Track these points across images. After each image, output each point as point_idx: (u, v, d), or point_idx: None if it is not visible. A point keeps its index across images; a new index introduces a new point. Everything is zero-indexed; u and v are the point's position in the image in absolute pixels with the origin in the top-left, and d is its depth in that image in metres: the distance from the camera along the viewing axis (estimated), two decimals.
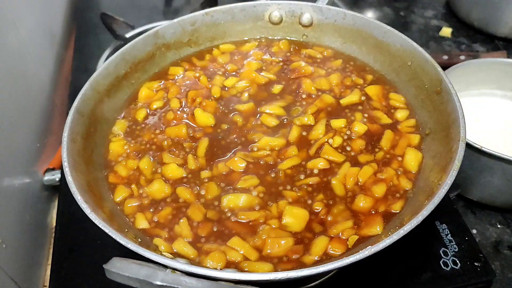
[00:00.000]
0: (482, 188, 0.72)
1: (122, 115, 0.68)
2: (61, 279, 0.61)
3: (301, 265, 0.49)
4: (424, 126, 0.62)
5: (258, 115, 0.65)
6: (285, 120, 0.64)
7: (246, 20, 0.79)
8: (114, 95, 0.68)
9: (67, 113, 0.59)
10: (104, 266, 0.42)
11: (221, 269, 0.48)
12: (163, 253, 0.50)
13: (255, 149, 0.60)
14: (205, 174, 0.58)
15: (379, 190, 0.55)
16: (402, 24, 1.15)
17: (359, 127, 0.61)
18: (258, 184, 0.56)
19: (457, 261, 0.59)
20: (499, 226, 0.71)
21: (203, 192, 0.56)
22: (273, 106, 0.66)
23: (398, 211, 0.53)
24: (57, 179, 0.77)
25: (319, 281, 0.59)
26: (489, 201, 0.73)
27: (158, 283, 0.40)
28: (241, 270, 0.48)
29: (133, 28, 1.04)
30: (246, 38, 0.80)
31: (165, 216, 0.54)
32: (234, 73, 0.73)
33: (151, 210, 0.55)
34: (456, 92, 0.57)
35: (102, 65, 0.67)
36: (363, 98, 0.66)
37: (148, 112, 0.68)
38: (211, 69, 0.74)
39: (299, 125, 0.63)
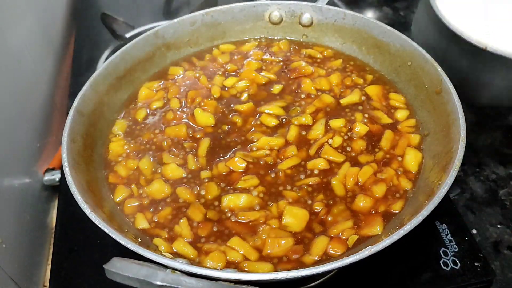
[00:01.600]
0: (487, 90, 0.71)
1: (122, 115, 0.68)
2: (61, 279, 0.60)
3: (301, 265, 0.49)
4: (424, 126, 0.62)
5: (258, 115, 0.65)
6: (284, 120, 0.64)
7: (246, 20, 0.79)
8: (114, 95, 0.68)
9: (67, 113, 0.59)
10: (104, 266, 0.42)
11: (221, 269, 0.48)
12: (163, 253, 0.50)
13: (254, 149, 0.60)
14: (205, 174, 0.58)
15: (379, 190, 0.55)
16: (402, 24, 1.15)
17: (361, 128, 0.61)
18: (258, 184, 0.56)
19: (457, 261, 0.59)
20: (499, 226, 0.71)
21: (203, 192, 0.56)
22: (273, 106, 0.66)
23: (398, 211, 0.53)
24: (57, 179, 0.76)
25: (319, 281, 0.59)
26: (496, 103, 0.71)
27: (158, 283, 0.40)
28: (241, 270, 0.48)
29: (133, 28, 1.04)
30: (246, 38, 0.80)
31: (165, 216, 0.54)
32: (234, 73, 0.73)
33: (151, 210, 0.55)
34: (456, 92, 0.57)
35: (102, 65, 0.67)
36: (363, 98, 0.66)
37: (148, 112, 0.68)
38: (211, 69, 0.74)
39: (297, 125, 0.63)
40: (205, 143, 0.61)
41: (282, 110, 0.65)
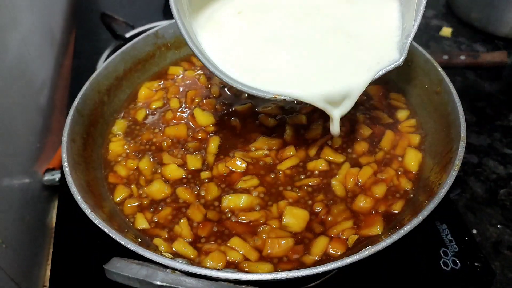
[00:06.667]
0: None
1: (122, 115, 0.68)
2: (61, 279, 0.60)
3: (301, 265, 0.49)
4: (424, 126, 0.62)
5: (257, 114, 0.65)
6: (281, 119, 0.64)
7: None
8: (114, 95, 0.68)
9: (67, 113, 0.59)
10: (104, 266, 0.42)
11: (221, 269, 0.48)
12: (163, 253, 0.50)
13: (253, 149, 0.60)
14: (205, 174, 0.58)
15: (379, 190, 0.54)
16: None
17: (364, 130, 0.61)
18: (258, 184, 0.56)
19: (457, 261, 0.59)
20: (499, 226, 0.71)
21: (203, 193, 0.56)
22: (271, 105, 0.66)
23: (398, 211, 0.53)
24: (57, 179, 0.76)
25: (319, 281, 0.59)
26: None
27: (158, 283, 0.40)
28: (241, 270, 0.48)
29: (133, 28, 1.04)
30: None
31: (165, 217, 0.54)
32: None
33: (151, 210, 0.55)
34: (456, 92, 0.57)
35: (102, 65, 0.67)
36: (364, 97, 0.66)
37: (148, 112, 0.68)
38: None
39: (292, 124, 0.63)
40: (215, 141, 0.61)
41: (279, 109, 0.65)
